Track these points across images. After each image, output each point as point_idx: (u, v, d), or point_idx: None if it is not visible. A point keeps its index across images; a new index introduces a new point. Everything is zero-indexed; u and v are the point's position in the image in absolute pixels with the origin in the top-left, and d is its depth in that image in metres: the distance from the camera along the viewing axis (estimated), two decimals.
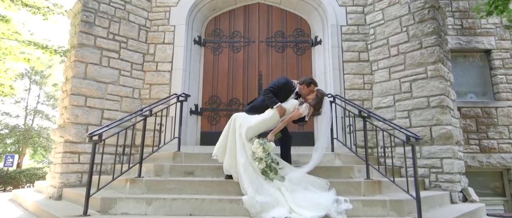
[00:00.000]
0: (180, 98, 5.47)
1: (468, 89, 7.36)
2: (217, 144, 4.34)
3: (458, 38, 7.36)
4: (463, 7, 7.51)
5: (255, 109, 4.45)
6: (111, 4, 6.28)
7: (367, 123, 4.62)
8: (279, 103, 4.31)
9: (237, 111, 6.65)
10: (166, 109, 5.52)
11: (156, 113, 4.82)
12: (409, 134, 3.74)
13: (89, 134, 3.73)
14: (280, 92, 4.46)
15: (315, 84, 4.51)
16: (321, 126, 4.52)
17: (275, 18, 7.23)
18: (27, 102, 23.64)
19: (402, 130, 3.93)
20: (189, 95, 5.70)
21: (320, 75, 6.75)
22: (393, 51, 6.13)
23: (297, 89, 4.59)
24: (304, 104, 4.32)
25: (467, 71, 7.46)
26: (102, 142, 3.87)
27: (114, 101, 6.08)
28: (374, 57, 6.41)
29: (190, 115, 6.63)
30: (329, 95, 5.48)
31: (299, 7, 7.15)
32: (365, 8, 6.71)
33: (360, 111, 4.64)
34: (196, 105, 6.75)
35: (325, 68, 6.68)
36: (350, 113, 5.14)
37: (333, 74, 6.45)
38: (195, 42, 6.96)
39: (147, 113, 4.55)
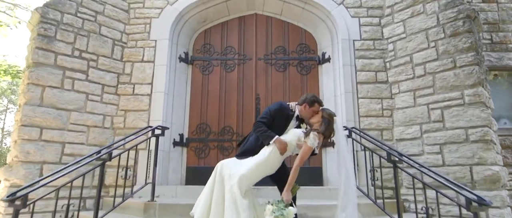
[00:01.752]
0: (156, 131, 4.35)
1: (500, 114, 6.24)
2: (199, 200, 3.21)
3: (487, 55, 6.27)
4: (492, 19, 6.46)
5: (249, 152, 3.31)
6: (78, 15, 5.22)
7: (398, 168, 3.49)
8: (277, 136, 3.19)
9: (230, 141, 5.56)
10: (145, 142, 4.42)
11: (130, 148, 3.71)
12: (471, 196, 2.61)
13: (7, 198, 2.58)
14: (275, 121, 3.35)
15: (320, 103, 3.39)
16: (340, 174, 3.34)
17: (275, 31, 6.18)
18: (4, 123, 22.10)
19: (461, 192, 2.78)
20: (167, 128, 4.58)
21: (329, 98, 5.66)
22: (419, 71, 5.05)
23: (297, 113, 3.46)
24: (311, 134, 3.13)
25: (498, 93, 6.35)
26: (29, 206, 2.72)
27: (78, 132, 4.96)
28: (394, 78, 5.32)
29: (174, 146, 5.50)
30: (344, 128, 4.39)
31: (304, 18, 6.11)
32: (382, 20, 5.66)
33: (389, 155, 3.51)
34: (181, 135, 5.63)
35: (335, 90, 5.59)
36: (372, 153, 4.01)
37: (345, 98, 5.35)
38: (181, 59, 5.88)
39: (105, 156, 3.42)
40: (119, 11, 5.70)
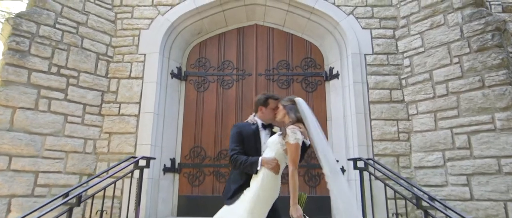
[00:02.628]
0: (140, 162, 3.75)
1: None
2: None
3: None
4: None
5: (238, 190, 2.71)
6: (57, 26, 4.65)
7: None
8: (260, 158, 2.62)
9: (228, 167, 4.96)
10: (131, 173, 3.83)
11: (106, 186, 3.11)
12: None
13: None
14: (245, 145, 2.77)
15: (274, 97, 2.89)
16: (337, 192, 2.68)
17: (278, 44, 5.62)
18: None
19: None
20: (153, 158, 3.99)
21: (337, 119, 5.08)
22: (440, 90, 4.48)
23: (260, 123, 2.90)
24: (287, 130, 2.54)
25: None
26: None
27: (55, 159, 4.36)
28: (411, 97, 4.74)
29: (164, 173, 4.89)
30: (358, 159, 3.82)
31: (309, 30, 5.55)
32: (396, 32, 5.10)
33: (418, 198, 2.90)
34: (173, 160, 5.02)
35: (344, 110, 5.00)
36: (395, 194, 3.42)
37: (356, 120, 4.76)
38: (173, 75, 5.30)
39: (74, 200, 2.80)
40: (105, 22, 5.14)
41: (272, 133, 2.91)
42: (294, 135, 2.49)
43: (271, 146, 2.66)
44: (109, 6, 5.26)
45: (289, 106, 2.68)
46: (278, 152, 2.60)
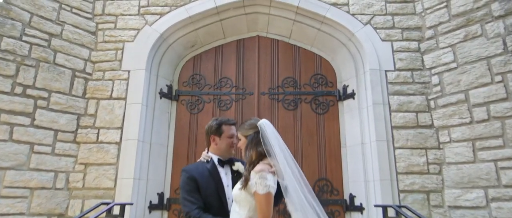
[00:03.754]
0: (114, 210, 2.99)
1: None
2: None
3: None
4: None
5: None
6: (24, 38, 3.94)
7: None
8: None
9: None
10: None
11: None
12: None
13: None
14: (203, 193, 2.10)
15: (229, 122, 2.29)
16: None
17: (283, 58, 4.90)
18: None
19: None
20: (130, 203, 3.24)
21: (354, 147, 4.33)
22: (479, 114, 3.73)
23: (216, 158, 2.26)
24: (252, 176, 1.87)
25: None
26: None
27: (17, 199, 3.61)
28: (442, 122, 4.00)
29: (150, 211, 4.13)
30: (387, 206, 3.06)
31: (319, 42, 4.84)
32: (421, 44, 4.38)
33: None
34: (161, 195, 4.27)
35: (363, 137, 4.26)
36: None
37: (377, 148, 4.00)
38: (162, 95, 4.58)
39: None
40: (83, 33, 4.44)
41: (234, 173, 2.22)
42: (264, 181, 1.79)
43: (240, 202, 1.93)
44: (89, 16, 4.56)
45: (251, 136, 1.99)
46: (251, 208, 1.88)
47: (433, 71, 4.21)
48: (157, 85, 4.56)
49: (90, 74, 4.39)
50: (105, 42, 4.52)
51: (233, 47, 4.99)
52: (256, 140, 1.96)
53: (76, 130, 4.16)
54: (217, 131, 2.23)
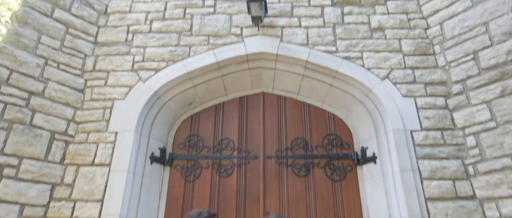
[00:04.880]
0: None
1: None
2: None
3: None
4: None
5: None
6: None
7: None
8: None
9: None
10: None
11: None
12: None
13: None
14: None
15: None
16: None
17: (292, 117, 4.38)
18: None
19: None
20: None
21: None
22: None
23: None
24: None
25: None
26: None
27: None
28: (486, 192, 3.32)
29: None
30: None
31: (331, 99, 4.35)
32: (448, 100, 3.85)
33: None
34: None
35: (391, 210, 3.54)
36: None
37: None
38: (154, 159, 3.98)
39: None
40: (69, 91, 3.98)
41: None
42: None
43: None
44: (78, 72, 4.16)
45: None
46: None
47: (466, 131, 3.63)
48: (148, 149, 3.99)
49: (72, 136, 3.85)
50: (93, 100, 4.05)
51: (235, 105, 4.49)
52: None
53: (48, 203, 3.50)
54: None
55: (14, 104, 3.54)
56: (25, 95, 3.66)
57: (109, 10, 4.63)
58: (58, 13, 4.16)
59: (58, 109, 3.84)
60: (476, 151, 3.50)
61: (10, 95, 3.55)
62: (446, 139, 3.67)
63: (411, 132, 3.71)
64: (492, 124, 3.45)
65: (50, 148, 3.67)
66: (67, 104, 3.93)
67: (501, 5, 3.72)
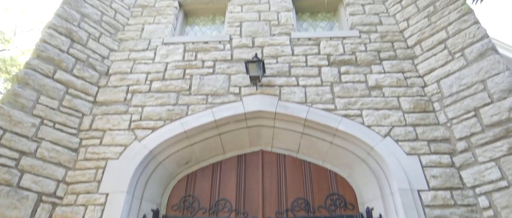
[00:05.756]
0: None
1: None
2: None
3: None
4: None
5: None
6: None
7: None
8: None
9: None
10: None
11: None
12: None
13: None
14: None
15: None
16: None
17: (292, 176, 4.20)
18: None
19: None
20: None
21: None
22: None
23: None
24: None
25: None
26: None
27: None
28: None
29: None
30: None
31: (332, 157, 4.21)
32: (453, 158, 3.71)
33: None
34: None
35: None
36: None
37: None
38: None
39: None
40: (62, 151, 3.88)
41: None
42: None
43: None
44: (74, 131, 4.09)
45: None
46: None
47: (477, 190, 3.42)
48: (140, 211, 3.75)
49: (60, 198, 3.65)
50: (86, 160, 3.92)
51: (233, 164, 4.35)
52: None
53: None
54: None
55: (3, 165, 3.42)
56: (16, 155, 3.55)
57: (110, 71, 4.72)
58: (59, 74, 4.22)
59: (49, 169, 3.70)
60: (490, 212, 3.27)
61: (3, 156, 3.44)
62: (456, 199, 3.45)
63: (419, 192, 3.51)
64: (503, 183, 3.27)
65: (36, 211, 3.45)
66: (59, 164, 3.80)
67: (496, 64, 3.77)
